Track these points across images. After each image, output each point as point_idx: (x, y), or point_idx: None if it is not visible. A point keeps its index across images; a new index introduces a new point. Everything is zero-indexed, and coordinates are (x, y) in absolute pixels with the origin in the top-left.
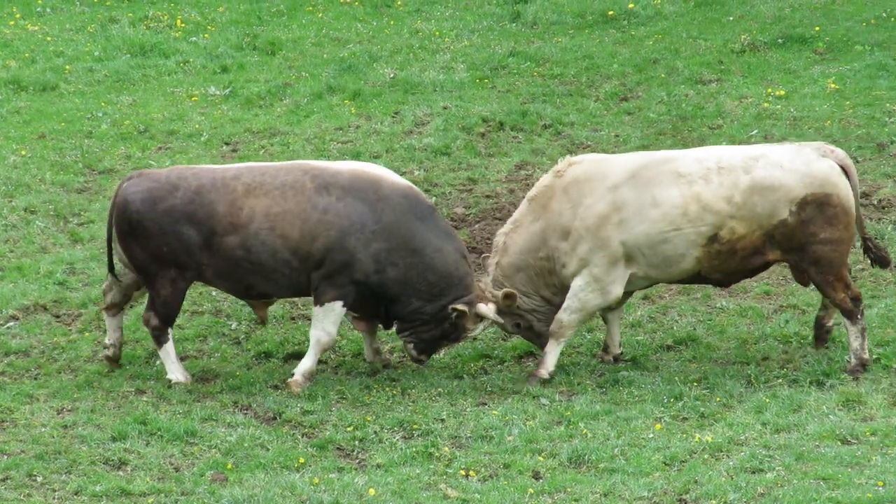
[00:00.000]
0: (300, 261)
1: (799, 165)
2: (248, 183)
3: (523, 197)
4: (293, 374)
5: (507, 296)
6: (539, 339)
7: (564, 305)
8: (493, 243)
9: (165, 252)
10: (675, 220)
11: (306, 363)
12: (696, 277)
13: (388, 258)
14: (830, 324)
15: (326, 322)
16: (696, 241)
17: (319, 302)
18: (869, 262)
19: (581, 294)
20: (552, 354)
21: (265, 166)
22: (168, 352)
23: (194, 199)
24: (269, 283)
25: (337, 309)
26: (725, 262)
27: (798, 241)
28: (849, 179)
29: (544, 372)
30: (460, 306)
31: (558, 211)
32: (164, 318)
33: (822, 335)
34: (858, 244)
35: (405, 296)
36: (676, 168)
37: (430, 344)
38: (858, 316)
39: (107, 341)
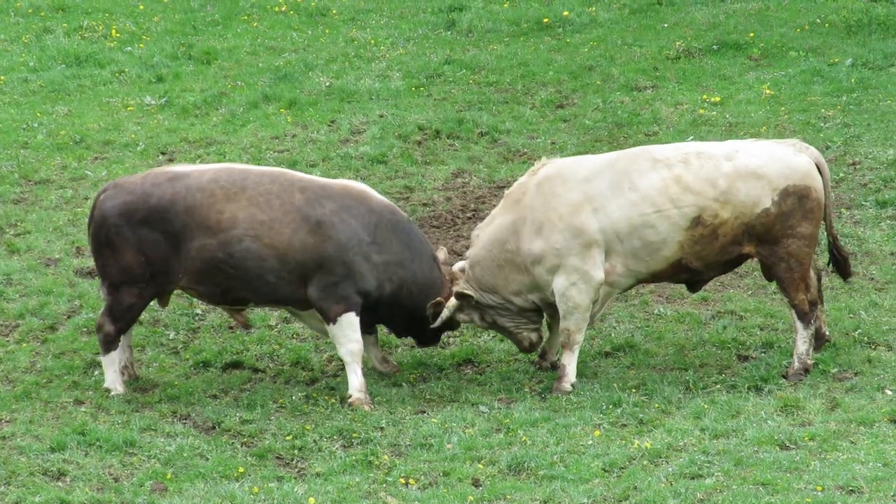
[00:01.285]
0: (288, 271)
1: (780, 157)
2: (228, 187)
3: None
4: (350, 395)
5: (459, 296)
6: (508, 334)
7: (561, 313)
8: (472, 237)
9: (143, 262)
10: (655, 201)
11: (353, 380)
12: (676, 268)
13: (386, 271)
14: (826, 331)
15: (347, 334)
16: (680, 224)
17: (330, 320)
18: (830, 263)
19: (568, 292)
20: (570, 365)
21: (246, 170)
22: (113, 360)
23: (169, 206)
24: (249, 289)
25: (350, 319)
26: (706, 248)
27: (776, 234)
28: (822, 177)
29: (566, 384)
30: (436, 301)
31: (530, 205)
32: (120, 327)
33: (818, 344)
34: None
35: (396, 307)
36: (653, 155)
37: (433, 335)
38: (812, 321)
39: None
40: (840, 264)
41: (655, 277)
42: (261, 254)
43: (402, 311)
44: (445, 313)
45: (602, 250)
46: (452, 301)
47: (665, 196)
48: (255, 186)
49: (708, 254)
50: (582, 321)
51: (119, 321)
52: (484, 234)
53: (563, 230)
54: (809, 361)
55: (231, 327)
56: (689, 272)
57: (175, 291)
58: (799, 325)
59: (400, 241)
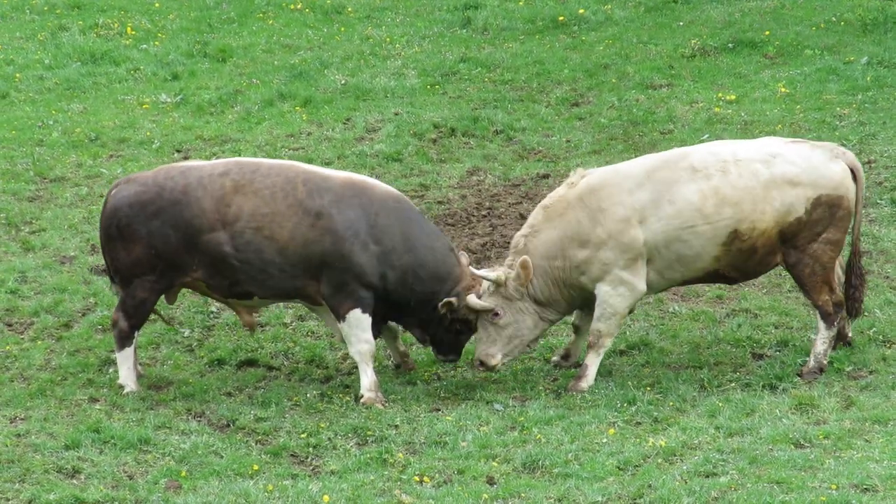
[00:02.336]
0: (290, 265)
1: (816, 165)
2: (237, 180)
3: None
4: (362, 394)
5: (524, 265)
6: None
7: (597, 314)
8: (511, 243)
9: (153, 254)
10: (691, 217)
11: (365, 380)
12: (713, 277)
13: (387, 261)
14: (849, 332)
15: (356, 333)
16: (716, 239)
17: (340, 317)
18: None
19: (611, 299)
20: (593, 366)
21: (255, 163)
22: (127, 356)
23: (181, 198)
24: (254, 283)
25: (358, 316)
26: (745, 259)
27: (802, 239)
28: (856, 183)
29: (584, 384)
30: (449, 299)
31: (575, 220)
32: (134, 321)
33: (842, 343)
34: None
35: (405, 298)
36: (692, 163)
37: (451, 343)
38: (835, 322)
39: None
40: (853, 287)
41: (689, 283)
42: (262, 246)
43: (419, 302)
44: (478, 303)
45: (645, 261)
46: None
47: (701, 212)
48: (262, 179)
49: (746, 264)
50: (615, 327)
51: (133, 317)
52: (532, 246)
53: (612, 247)
54: (825, 361)
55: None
56: (725, 279)
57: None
58: (822, 325)
59: (403, 228)
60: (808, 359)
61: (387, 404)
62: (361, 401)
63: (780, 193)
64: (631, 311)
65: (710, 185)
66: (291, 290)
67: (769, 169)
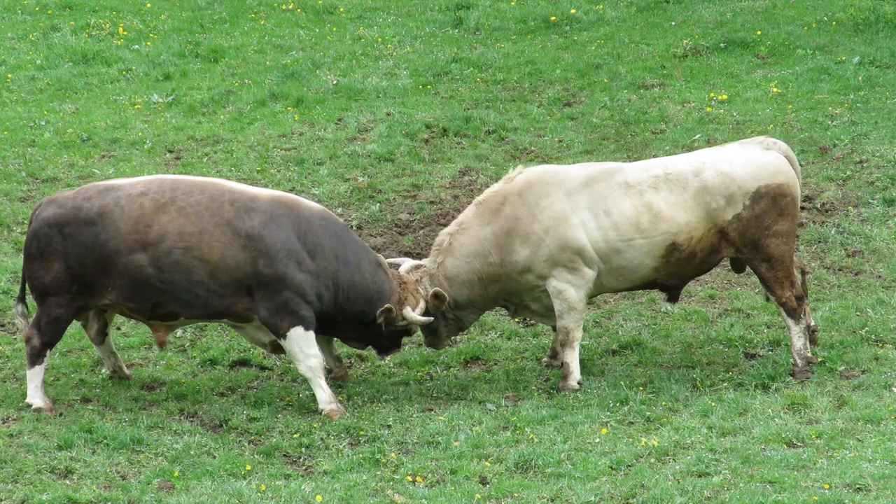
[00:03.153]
0: (220, 285)
1: (748, 160)
2: (158, 199)
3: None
4: (320, 408)
5: (436, 296)
6: (431, 339)
7: (558, 312)
8: (435, 242)
9: (69, 274)
10: (627, 231)
11: (321, 393)
12: (649, 285)
13: (321, 280)
14: (811, 321)
15: (302, 350)
16: (654, 253)
17: (281, 336)
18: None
19: (565, 292)
20: (573, 362)
21: (176, 182)
22: (37, 374)
23: (97, 220)
24: (179, 303)
25: (301, 333)
26: (684, 267)
27: (752, 236)
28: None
29: (572, 382)
30: (388, 306)
31: (514, 216)
32: (48, 339)
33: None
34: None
35: (335, 317)
36: (626, 179)
37: (391, 344)
38: (802, 315)
39: (105, 371)
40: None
41: (627, 290)
42: (190, 267)
43: (347, 319)
44: (415, 317)
45: (591, 251)
46: (421, 304)
47: (636, 226)
48: (185, 198)
49: (685, 272)
50: (579, 318)
51: (46, 334)
52: (459, 244)
53: (551, 240)
54: (809, 354)
55: None
56: (663, 288)
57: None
58: (790, 321)
59: (333, 247)
60: (793, 359)
61: (346, 412)
62: (323, 414)
63: (714, 197)
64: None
65: (643, 201)
66: (221, 309)
67: (699, 176)
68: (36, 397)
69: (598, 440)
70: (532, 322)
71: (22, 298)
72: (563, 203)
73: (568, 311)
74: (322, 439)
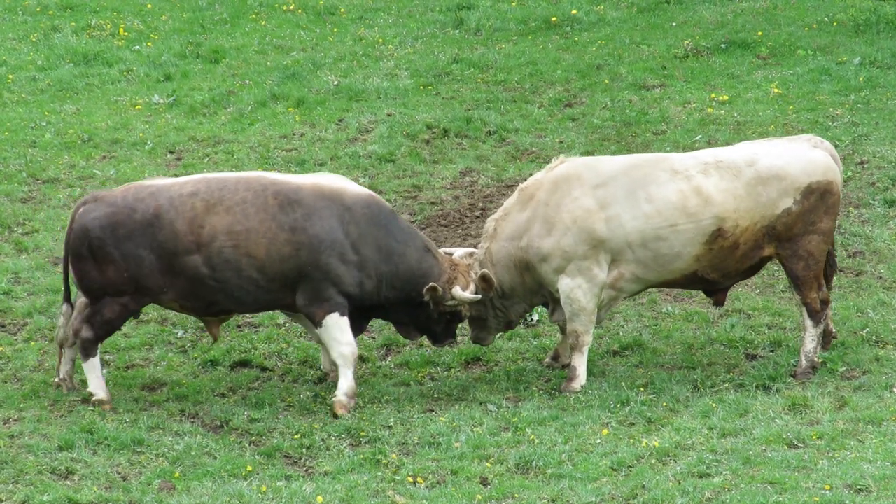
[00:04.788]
0: (268, 279)
1: (800, 155)
2: (208, 199)
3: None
4: (336, 395)
5: (483, 278)
6: (478, 333)
7: (567, 315)
8: (483, 229)
9: (126, 277)
10: (671, 215)
11: (344, 383)
12: (691, 279)
13: (363, 269)
14: (832, 328)
15: (335, 337)
16: (698, 239)
17: (317, 323)
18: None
19: (573, 293)
20: (580, 366)
21: (223, 180)
22: (94, 366)
23: (154, 221)
24: (233, 300)
25: (336, 319)
26: (726, 259)
27: (797, 232)
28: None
29: (576, 385)
30: (433, 284)
31: (544, 202)
32: (99, 336)
33: (826, 344)
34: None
35: (381, 304)
36: (672, 165)
37: (444, 331)
38: (822, 319)
39: (57, 376)
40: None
41: (667, 285)
42: (240, 264)
43: (394, 304)
44: (463, 294)
45: (608, 255)
46: (472, 286)
47: (682, 210)
48: (232, 196)
49: (727, 265)
50: (589, 322)
51: (98, 330)
52: (501, 229)
53: (574, 233)
54: (817, 359)
55: (239, 326)
56: (704, 283)
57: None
58: (809, 322)
59: (376, 237)
60: (799, 359)
61: (350, 413)
62: (333, 401)
63: (766, 188)
64: (599, 320)
65: (691, 186)
66: (270, 301)
67: (753, 167)
68: (99, 389)
69: (599, 441)
70: (534, 323)
71: (68, 299)
72: (596, 194)
73: (577, 314)
74: (323, 440)
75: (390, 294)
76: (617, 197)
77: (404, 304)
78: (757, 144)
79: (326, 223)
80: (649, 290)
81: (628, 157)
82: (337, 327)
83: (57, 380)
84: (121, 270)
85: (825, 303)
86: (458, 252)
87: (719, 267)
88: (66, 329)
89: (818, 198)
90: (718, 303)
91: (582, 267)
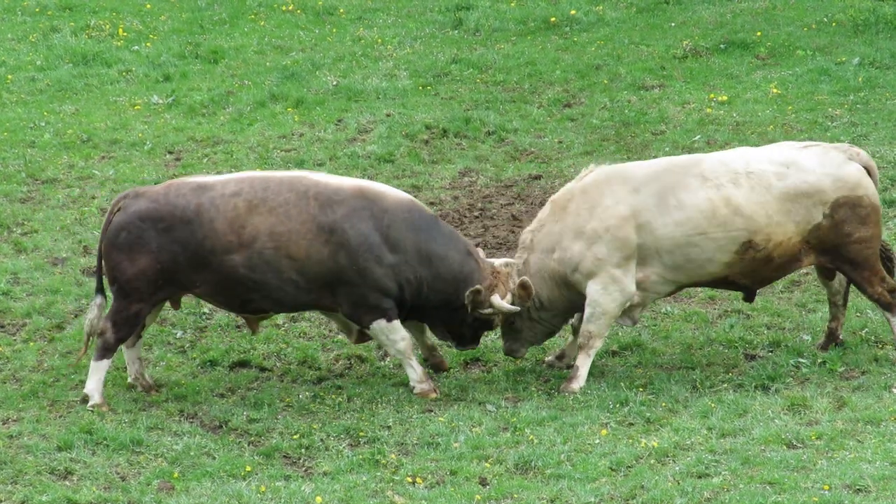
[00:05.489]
0: (307, 280)
1: (830, 170)
2: (251, 200)
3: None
4: (413, 387)
5: (523, 285)
6: (511, 345)
7: (587, 315)
8: (519, 240)
9: (157, 269)
10: (701, 224)
11: (411, 373)
12: (722, 283)
13: (401, 273)
14: (840, 336)
15: (388, 338)
16: (729, 248)
17: (365, 327)
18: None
19: (600, 298)
20: (584, 367)
21: (267, 179)
22: (102, 368)
23: (194, 218)
24: (270, 300)
25: (383, 325)
26: (760, 268)
27: (833, 243)
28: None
29: (576, 385)
30: (477, 287)
31: (575, 212)
32: (123, 334)
33: (827, 344)
34: None
35: (421, 306)
36: (702, 171)
37: (472, 337)
38: None
39: (129, 378)
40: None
41: (699, 286)
42: (280, 265)
43: (433, 308)
44: (502, 304)
45: (635, 262)
46: (509, 296)
47: (712, 218)
48: (275, 197)
49: (760, 273)
50: (605, 328)
51: (122, 328)
52: (538, 241)
53: (607, 241)
54: None
55: (238, 326)
56: (736, 286)
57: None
58: (887, 314)
59: (416, 242)
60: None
61: (439, 393)
62: (414, 392)
63: (796, 205)
64: (634, 321)
65: (721, 195)
66: (308, 302)
67: (782, 181)
68: (95, 392)
69: (597, 441)
70: None
71: (100, 290)
72: (627, 202)
73: (597, 317)
74: (322, 440)
75: (431, 296)
76: (648, 204)
77: (444, 308)
78: (788, 153)
79: (365, 225)
80: None
81: (658, 162)
82: (384, 332)
83: (130, 380)
84: (154, 262)
85: (894, 290)
86: (497, 262)
87: (751, 275)
88: (95, 322)
89: (848, 210)
90: (749, 299)
91: (615, 276)
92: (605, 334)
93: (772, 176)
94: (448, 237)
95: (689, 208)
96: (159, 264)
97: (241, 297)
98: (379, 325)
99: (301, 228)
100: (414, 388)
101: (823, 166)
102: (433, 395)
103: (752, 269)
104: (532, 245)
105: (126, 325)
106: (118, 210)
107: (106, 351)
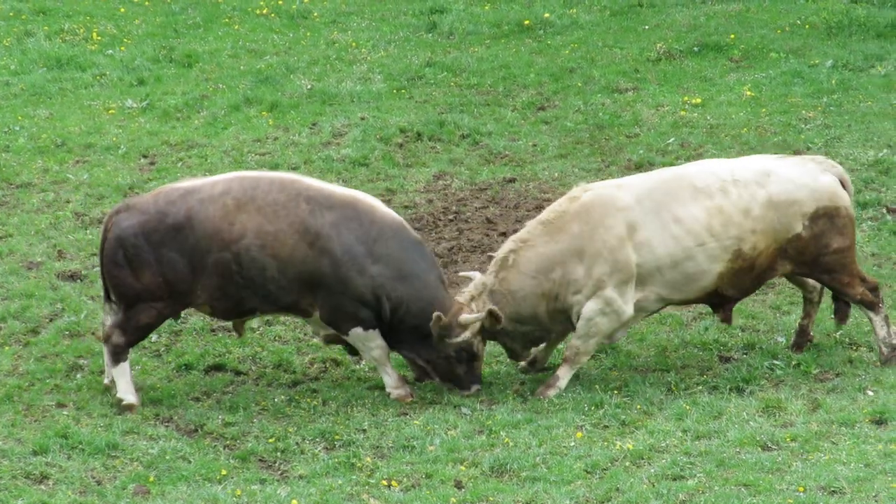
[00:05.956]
0: (287, 280)
1: (808, 180)
2: (239, 198)
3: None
4: (389, 394)
5: (492, 314)
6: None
7: (579, 331)
8: (495, 259)
9: (161, 282)
10: (699, 235)
11: (386, 380)
12: (710, 296)
13: (382, 288)
14: (811, 333)
15: (364, 344)
16: (723, 256)
17: (342, 333)
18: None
19: (596, 318)
20: (564, 379)
21: (256, 179)
22: (125, 371)
23: (185, 224)
24: (258, 299)
25: (360, 333)
26: (744, 277)
27: (811, 254)
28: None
29: (552, 392)
30: (438, 314)
31: (578, 234)
32: (132, 340)
33: (801, 342)
34: None
35: (394, 328)
36: (693, 183)
37: (465, 371)
38: (880, 305)
39: (105, 380)
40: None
41: (685, 303)
42: (264, 263)
43: (409, 332)
44: (466, 334)
45: (633, 284)
46: (476, 323)
47: (708, 230)
48: (264, 196)
49: (743, 282)
50: (594, 347)
51: (130, 335)
52: (524, 260)
53: (607, 261)
54: (895, 341)
55: (213, 330)
56: (720, 297)
57: None
58: (870, 313)
59: (399, 261)
60: (879, 348)
61: (415, 397)
62: (391, 397)
63: (778, 213)
64: (614, 340)
65: (714, 205)
66: (288, 303)
67: (765, 189)
68: (128, 394)
69: (572, 444)
70: None
71: (109, 297)
72: (628, 221)
73: (591, 337)
74: (297, 444)
75: (408, 319)
76: (645, 222)
77: (418, 333)
78: (768, 164)
79: (352, 236)
80: None
81: (650, 176)
82: (361, 339)
83: (107, 381)
84: (156, 275)
85: (874, 290)
86: (461, 298)
87: (737, 284)
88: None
89: (827, 221)
90: (727, 320)
91: (611, 298)
92: (592, 353)
93: (754, 184)
94: (431, 263)
95: (689, 221)
96: (161, 277)
97: (235, 298)
98: (356, 333)
99: (288, 230)
100: (390, 393)
101: (801, 177)
102: (409, 400)
103: (738, 279)
104: (515, 264)
105: (136, 335)
106: (111, 227)
107: (118, 355)
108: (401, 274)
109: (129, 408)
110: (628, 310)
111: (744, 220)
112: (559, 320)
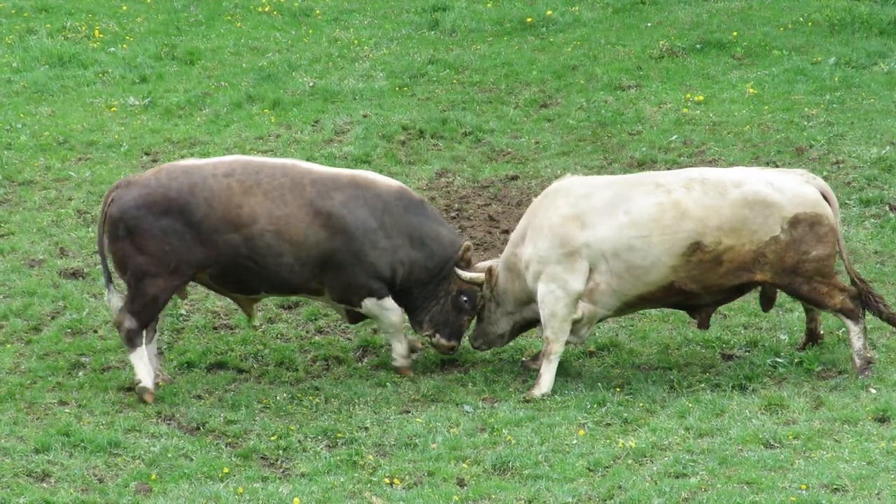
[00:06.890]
0: (301, 264)
1: (787, 186)
2: (244, 181)
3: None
4: (393, 361)
5: (486, 270)
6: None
7: (542, 321)
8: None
9: (167, 251)
10: (646, 226)
11: (396, 346)
12: (668, 291)
13: (395, 255)
14: (821, 333)
15: (379, 313)
16: (673, 250)
17: (356, 306)
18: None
19: (545, 299)
20: (547, 374)
21: (259, 164)
22: (141, 355)
23: (189, 198)
24: (266, 282)
25: (373, 302)
26: (707, 273)
27: (790, 261)
28: (831, 206)
29: (537, 392)
30: (466, 244)
31: (534, 212)
32: (144, 319)
33: (808, 345)
34: None
35: (413, 289)
36: (656, 180)
37: (452, 324)
38: (861, 314)
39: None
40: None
41: (648, 301)
42: (281, 249)
43: (420, 286)
44: (467, 275)
45: (586, 263)
46: (480, 274)
47: (657, 222)
48: (269, 181)
49: (708, 278)
50: (560, 331)
51: (140, 314)
52: (511, 238)
53: (547, 237)
54: (869, 354)
55: (215, 328)
56: (683, 295)
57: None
58: (849, 322)
59: (408, 226)
60: (852, 359)
61: (413, 374)
62: (393, 365)
63: (752, 212)
64: (581, 339)
65: (670, 199)
66: (299, 285)
67: (739, 189)
68: (145, 376)
69: (575, 441)
70: None
71: (110, 281)
72: (578, 204)
73: (548, 320)
74: (299, 442)
75: (423, 276)
76: (597, 208)
77: (430, 283)
78: (753, 170)
79: (361, 212)
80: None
81: (620, 176)
82: (377, 307)
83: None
84: (162, 244)
85: (856, 297)
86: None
87: (699, 279)
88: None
89: (807, 228)
90: (703, 325)
91: (555, 273)
92: (563, 339)
93: (728, 183)
94: (436, 218)
95: (636, 213)
96: (168, 246)
97: (238, 278)
98: (370, 302)
99: (299, 213)
100: (395, 360)
101: (782, 182)
102: (409, 374)
103: (699, 273)
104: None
105: (145, 313)
106: (111, 202)
107: (132, 339)
108: (411, 239)
109: (144, 391)
110: (575, 284)
111: (706, 215)
112: (526, 304)
